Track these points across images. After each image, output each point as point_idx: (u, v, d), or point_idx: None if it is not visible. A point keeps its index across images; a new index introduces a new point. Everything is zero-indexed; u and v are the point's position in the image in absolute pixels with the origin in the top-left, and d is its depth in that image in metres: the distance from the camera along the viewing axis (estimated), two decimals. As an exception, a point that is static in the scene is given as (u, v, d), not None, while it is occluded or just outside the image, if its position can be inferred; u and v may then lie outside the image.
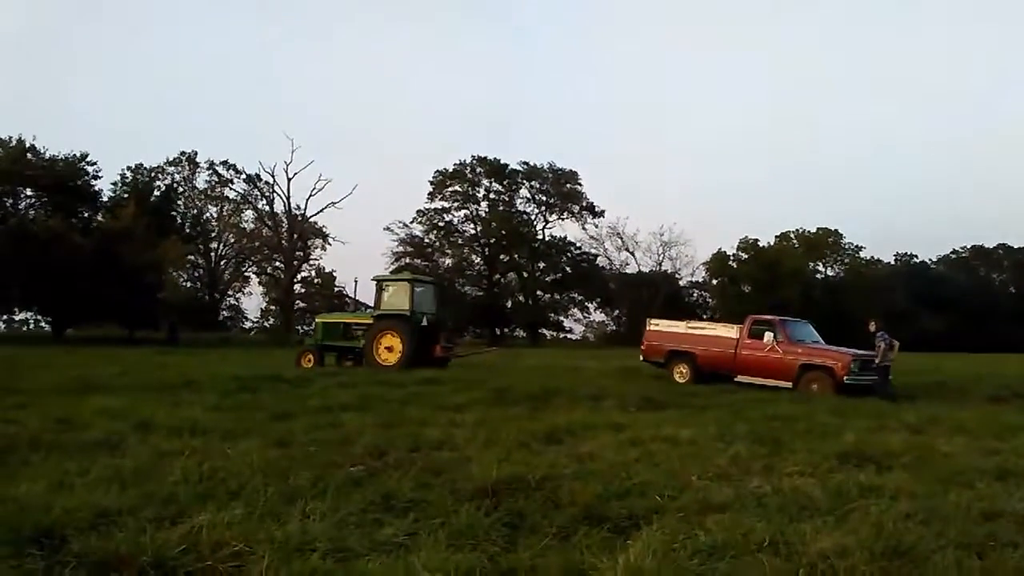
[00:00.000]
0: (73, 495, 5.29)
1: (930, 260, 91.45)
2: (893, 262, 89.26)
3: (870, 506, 5.82)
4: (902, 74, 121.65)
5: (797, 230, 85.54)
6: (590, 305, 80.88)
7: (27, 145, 51.08)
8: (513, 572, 4.32)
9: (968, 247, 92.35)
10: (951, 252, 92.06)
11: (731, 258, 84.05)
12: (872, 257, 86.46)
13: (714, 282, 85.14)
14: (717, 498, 5.98)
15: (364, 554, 4.47)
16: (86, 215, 54.48)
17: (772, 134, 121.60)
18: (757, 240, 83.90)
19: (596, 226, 79.81)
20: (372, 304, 24.62)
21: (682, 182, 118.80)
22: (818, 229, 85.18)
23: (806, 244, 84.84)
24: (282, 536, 4.54)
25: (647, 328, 23.51)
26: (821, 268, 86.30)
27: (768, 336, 20.45)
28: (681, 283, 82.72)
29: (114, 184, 61.12)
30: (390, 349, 23.02)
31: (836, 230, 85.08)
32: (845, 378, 18.65)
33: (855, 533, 4.99)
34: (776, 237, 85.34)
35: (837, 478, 6.99)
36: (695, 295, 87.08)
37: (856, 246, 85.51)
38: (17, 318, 59.75)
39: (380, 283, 24.86)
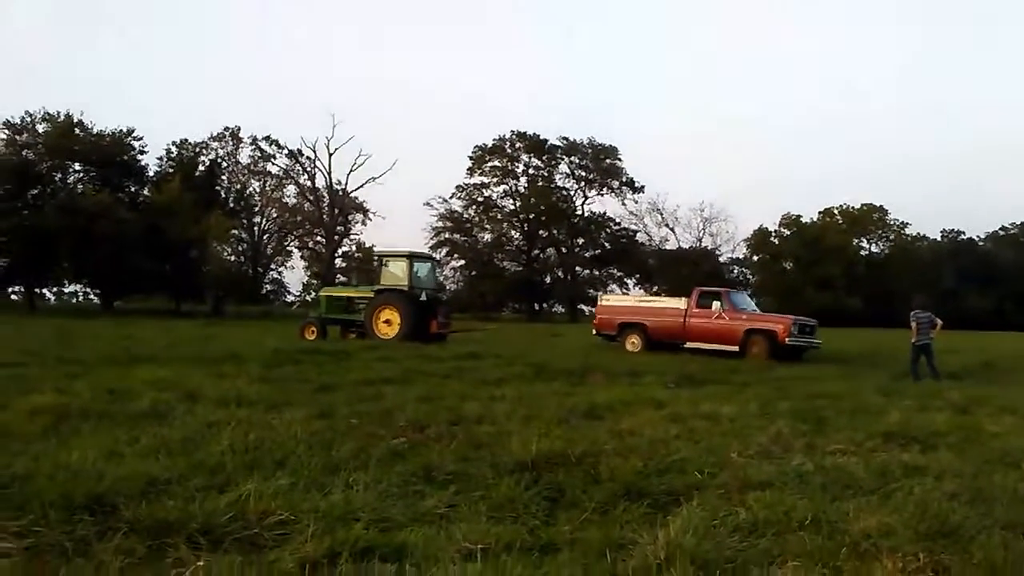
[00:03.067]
0: (123, 464, 5.41)
1: (978, 237, 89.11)
2: (940, 239, 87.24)
3: (914, 486, 5.72)
4: (951, 43, 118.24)
5: (841, 206, 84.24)
6: (629, 281, 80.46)
7: (75, 120, 52.09)
8: (553, 545, 4.34)
9: (1017, 223, 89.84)
10: (999, 228, 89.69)
11: (773, 235, 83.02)
12: (918, 233, 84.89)
13: (755, 259, 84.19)
14: (758, 475, 5.93)
15: (406, 524, 4.52)
16: (132, 189, 55.51)
17: (816, 107, 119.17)
18: (800, 216, 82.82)
19: (636, 202, 79.32)
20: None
21: (725, 158, 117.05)
22: (863, 205, 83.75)
23: (850, 220, 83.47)
24: (326, 506, 4.61)
25: (599, 303, 25.16)
26: (865, 244, 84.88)
27: (716, 305, 22.40)
28: (721, 259, 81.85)
29: (159, 159, 62.11)
30: (388, 323, 23.71)
31: (881, 206, 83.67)
32: (787, 339, 21.08)
33: (899, 512, 4.92)
34: (819, 213, 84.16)
35: (881, 457, 6.90)
36: (735, 271, 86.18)
37: (902, 222, 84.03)
38: (67, 290, 61.30)
39: (380, 259, 25.79)
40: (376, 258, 26.70)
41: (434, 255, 26.94)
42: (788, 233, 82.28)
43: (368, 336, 23.56)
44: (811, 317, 24.37)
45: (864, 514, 4.84)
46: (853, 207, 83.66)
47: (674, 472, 6.05)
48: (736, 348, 21.53)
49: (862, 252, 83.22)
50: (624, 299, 25.65)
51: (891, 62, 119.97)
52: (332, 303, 26.20)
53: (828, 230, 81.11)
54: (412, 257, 25.12)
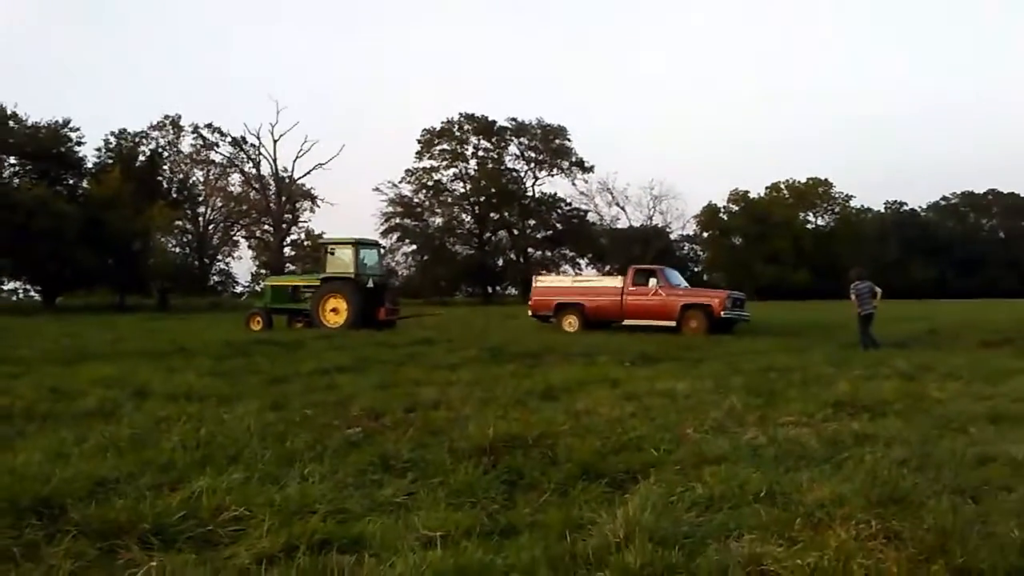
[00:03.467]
0: (70, 464, 5.27)
1: (920, 208, 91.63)
2: (883, 211, 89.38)
3: (865, 454, 5.86)
4: (889, 14, 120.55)
5: (787, 181, 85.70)
6: (582, 261, 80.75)
7: (9, 112, 50.35)
8: (513, 528, 4.35)
9: (958, 193, 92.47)
10: (941, 199, 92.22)
11: (722, 211, 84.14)
12: (862, 206, 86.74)
13: (705, 235, 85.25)
14: (713, 450, 6.02)
15: (364, 515, 4.48)
16: (71, 182, 53.81)
17: (760, 83, 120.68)
18: (748, 192, 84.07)
19: (586, 181, 79.37)
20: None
21: (671, 135, 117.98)
22: (808, 179, 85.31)
23: (797, 195, 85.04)
24: (281, 499, 4.55)
25: (534, 284, 25.47)
26: (812, 218, 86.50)
27: (652, 282, 22.98)
28: (672, 237, 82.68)
29: (98, 150, 60.14)
30: (335, 311, 23.56)
31: (826, 179, 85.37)
32: (723, 313, 21.85)
33: (850, 481, 5.03)
34: (767, 188, 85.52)
35: (832, 427, 7.05)
36: (686, 248, 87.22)
37: (846, 195, 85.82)
38: (6, 288, 59.45)
39: (325, 247, 25.58)
40: (322, 246, 26.29)
41: (380, 241, 26.69)
42: (736, 209, 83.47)
43: (315, 325, 23.33)
44: (746, 291, 25.17)
45: (817, 484, 4.93)
46: (799, 181, 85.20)
47: (631, 450, 6.11)
48: (673, 323, 22.13)
49: (808, 226, 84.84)
50: (560, 280, 26.07)
51: (831, 29, 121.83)
52: (278, 293, 25.88)
53: (775, 205, 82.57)
54: (358, 244, 24.93)
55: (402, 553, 3.84)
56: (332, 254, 24.61)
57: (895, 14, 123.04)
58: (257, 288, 72.35)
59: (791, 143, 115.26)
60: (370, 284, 24.32)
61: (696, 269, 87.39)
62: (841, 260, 71.56)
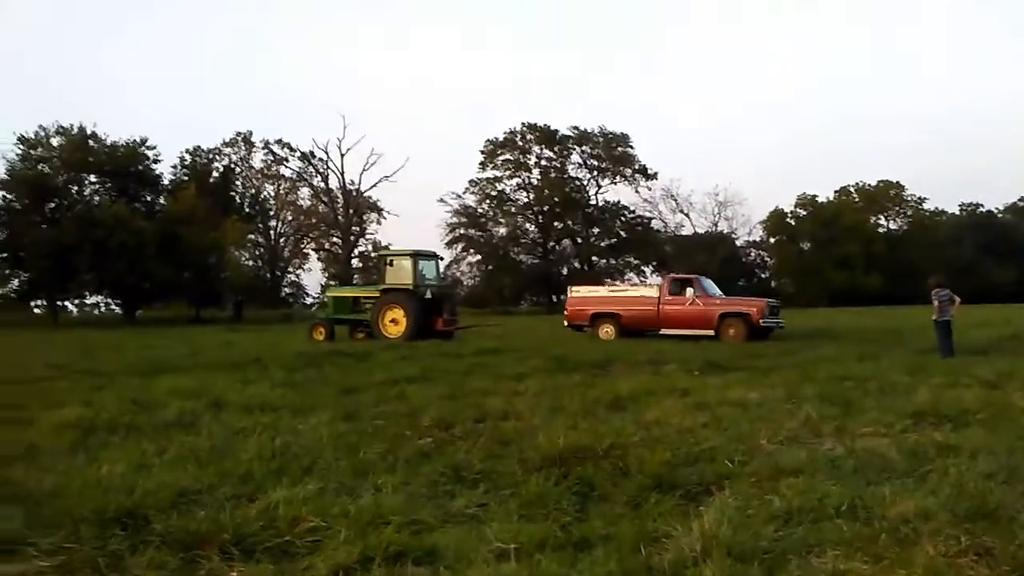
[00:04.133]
0: (153, 475, 5.42)
1: (997, 209, 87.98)
2: (958, 212, 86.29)
3: (949, 466, 5.64)
4: (961, 16, 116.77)
5: (857, 184, 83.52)
6: (646, 269, 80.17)
7: (89, 132, 52.42)
8: (586, 541, 4.29)
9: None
10: (1019, 200, 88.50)
11: (789, 215, 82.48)
12: (936, 208, 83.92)
13: (772, 240, 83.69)
14: (789, 462, 5.87)
15: (437, 526, 4.50)
16: (148, 199, 55.73)
17: (828, 86, 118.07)
18: (815, 196, 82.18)
19: (649, 189, 78.89)
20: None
21: (738, 141, 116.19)
22: (879, 182, 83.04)
23: (867, 198, 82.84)
24: (356, 510, 4.59)
25: (569, 294, 25.95)
26: (883, 222, 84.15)
27: (689, 291, 23.44)
28: (738, 243, 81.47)
29: (174, 167, 62.22)
30: (395, 322, 23.93)
31: (898, 182, 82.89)
32: (761, 321, 22.19)
33: (935, 495, 4.85)
34: (835, 192, 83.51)
35: (912, 438, 6.82)
36: (752, 255, 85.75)
37: (919, 198, 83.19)
38: (89, 301, 61.75)
39: (385, 258, 26.08)
40: (382, 258, 26.98)
41: (438, 253, 27.18)
42: (804, 213, 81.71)
43: (375, 335, 23.74)
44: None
45: (900, 498, 4.77)
46: (869, 184, 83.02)
47: (704, 462, 6.01)
48: (712, 332, 22.37)
49: (880, 229, 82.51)
50: (595, 290, 26.44)
51: (897, 28, 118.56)
52: (339, 303, 26.44)
53: (845, 209, 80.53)
54: (416, 256, 25.31)
55: (477, 565, 3.84)
56: (391, 265, 25.06)
57: (967, 10, 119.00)
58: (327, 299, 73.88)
59: (860, 146, 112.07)
60: (428, 295, 24.62)
61: (763, 275, 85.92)
62: (915, 264, 69.57)
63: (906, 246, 77.13)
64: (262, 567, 3.93)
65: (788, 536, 4.25)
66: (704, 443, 6.52)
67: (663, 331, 22.91)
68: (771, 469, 5.68)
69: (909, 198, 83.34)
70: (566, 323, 25.12)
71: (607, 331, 23.68)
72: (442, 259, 27.69)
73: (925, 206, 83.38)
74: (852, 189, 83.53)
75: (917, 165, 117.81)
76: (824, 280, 73.27)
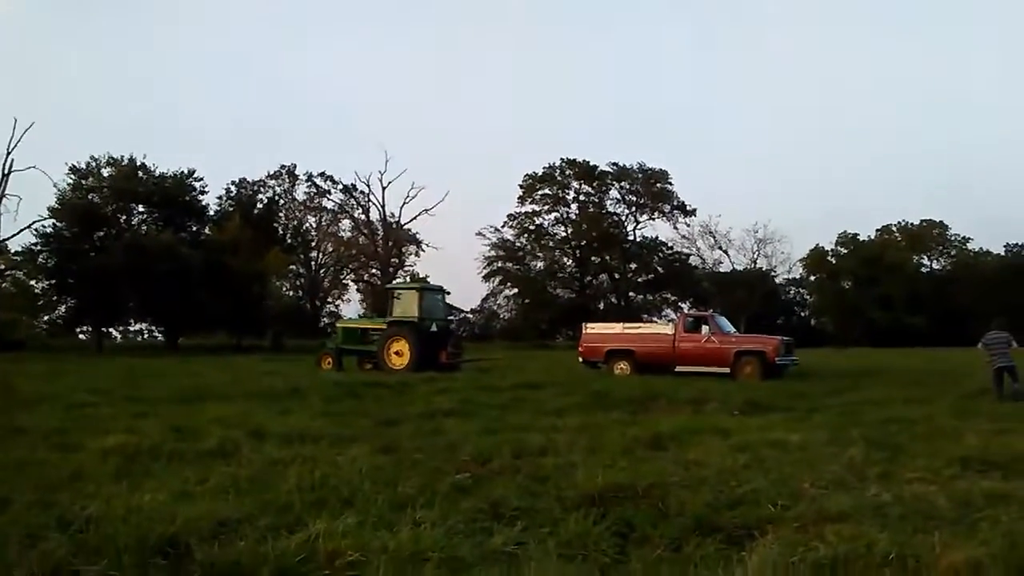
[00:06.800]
0: (194, 504, 5.47)
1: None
2: (1004, 253, 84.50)
3: (999, 516, 5.49)
4: (1004, 52, 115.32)
5: (899, 223, 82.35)
6: (684, 305, 79.39)
7: (138, 163, 53.83)
8: (626, 584, 4.25)
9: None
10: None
11: (830, 254, 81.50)
12: (981, 249, 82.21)
13: (812, 279, 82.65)
14: (834, 507, 5.74)
15: (475, 564, 4.48)
16: (194, 228, 56.88)
17: (869, 123, 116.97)
18: (857, 235, 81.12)
19: (688, 225, 78.45)
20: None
21: (778, 178, 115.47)
22: (922, 221, 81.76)
23: (909, 237, 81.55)
24: (395, 545, 4.59)
25: (584, 332, 25.79)
26: (926, 262, 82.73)
27: (704, 329, 23.37)
28: (777, 280, 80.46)
29: (219, 198, 63.58)
30: (399, 354, 24.29)
31: (941, 221, 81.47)
32: (776, 359, 22.03)
33: (986, 545, 4.71)
34: (877, 231, 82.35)
35: (961, 485, 6.64)
36: (792, 292, 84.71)
37: (963, 238, 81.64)
38: (133, 328, 62.89)
39: (391, 292, 26.73)
40: (388, 291, 27.69)
41: (443, 287, 27.70)
42: (845, 252, 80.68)
43: (381, 367, 24.11)
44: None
45: (950, 548, 4.63)
46: (912, 224, 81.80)
47: (746, 504, 5.90)
48: (727, 370, 22.18)
49: (923, 269, 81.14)
50: (610, 327, 26.12)
51: (938, 61, 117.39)
52: (348, 334, 26.99)
53: (887, 247, 79.38)
54: (422, 289, 25.99)
55: (517, 606, 3.80)
56: (398, 298, 25.56)
57: (1006, 39, 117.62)
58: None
59: (901, 186, 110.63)
60: (433, 328, 25.03)
61: (803, 313, 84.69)
62: (960, 305, 68.18)
63: (951, 287, 75.69)
64: (303, 600, 3.93)
65: (835, 585, 4.15)
66: (746, 485, 6.41)
67: (678, 368, 22.79)
68: (815, 514, 5.56)
69: (952, 238, 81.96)
70: (580, 359, 25.14)
71: (622, 368, 23.59)
72: (448, 293, 28.13)
73: (969, 246, 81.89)
74: (894, 228, 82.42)
75: (960, 204, 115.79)
76: (866, 319, 72.05)
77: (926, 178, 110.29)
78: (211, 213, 59.41)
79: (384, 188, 68.28)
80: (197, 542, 4.62)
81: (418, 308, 24.78)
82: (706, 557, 4.61)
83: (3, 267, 50.52)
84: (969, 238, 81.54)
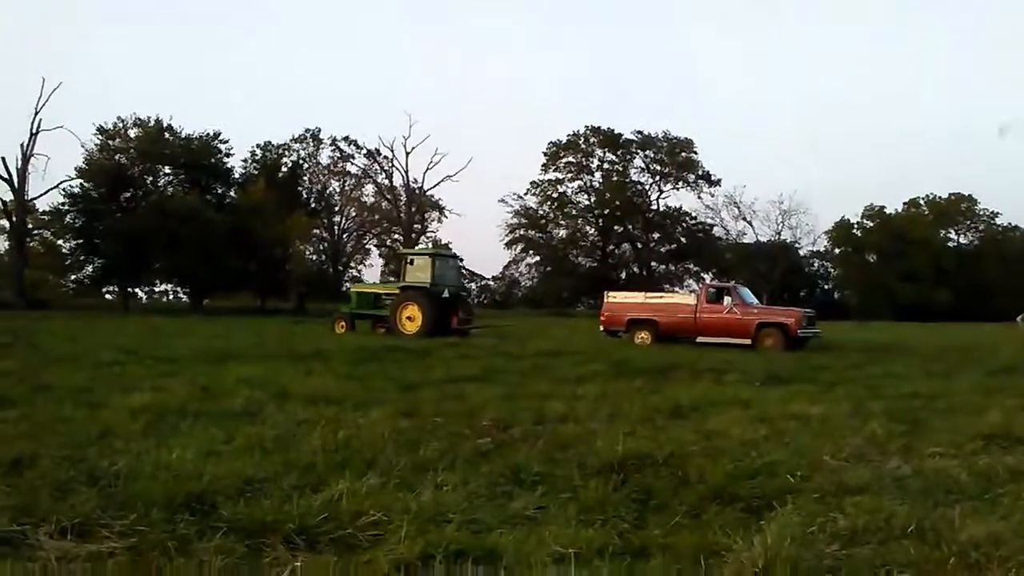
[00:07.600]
0: (220, 462, 5.55)
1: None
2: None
3: (1022, 491, 5.47)
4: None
5: (927, 196, 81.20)
6: (706, 276, 79.06)
7: (165, 125, 54.08)
8: (645, 550, 4.27)
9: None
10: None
11: (855, 227, 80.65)
12: (1009, 224, 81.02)
13: (837, 252, 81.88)
14: (853, 480, 5.74)
15: (496, 527, 4.51)
16: (219, 191, 57.25)
17: (898, 96, 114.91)
18: (883, 208, 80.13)
19: (712, 195, 77.93)
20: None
21: (804, 148, 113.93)
22: (950, 195, 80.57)
23: (937, 211, 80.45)
24: (417, 507, 4.64)
25: (606, 300, 25.81)
26: (953, 236, 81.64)
27: (727, 300, 23.45)
28: (801, 253, 79.81)
29: (244, 161, 63.85)
30: (411, 319, 24.54)
31: (970, 195, 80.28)
32: (798, 332, 22.28)
33: (1007, 520, 4.70)
34: (904, 204, 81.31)
35: (983, 460, 6.59)
36: (816, 265, 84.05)
37: (992, 212, 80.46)
38: (158, 289, 63.67)
39: (405, 257, 26.80)
40: (402, 256, 27.78)
41: (457, 254, 27.91)
42: (871, 225, 79.79)
43: (393, 331, 24.32)
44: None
45: (970, 522, 4.63)
46: (940, 197, 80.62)
47: (765, 475, 5.90)
48: (749, 341, 22.40)
49: (950, 244, 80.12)
50: (632, 296, 26.24)
51: (969, 36, 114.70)
52: (362, 299, 27.50)
53: (914, 221, 78.44)
54: (436, 255, 26.00)
55: (536, 568, 3.85)
56: (411, 264, 25.73)
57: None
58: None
59: (930, 157, 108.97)
60: (445, 294, 25.13)
61: (826, 286, 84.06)
62: (988, 281, 67.36)
63: (978, 262, 74.72)
64: (325, 558, 4.00)
65: (853, 556, 4.16)
66: (766, 456, 6.41)
67: (699, 339, 22.98)
68: (835, 486, 5.56)
69: (981, 212, 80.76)
70: (601, 328, 25.22)
71: (643, 337, 23.75)
72: (462, 260, 28.23)
73: (998, 221, 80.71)
74: (922, 201, 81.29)
75: (990, 178, 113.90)
76: (890, 293, 71.43)
77: (954, 151, 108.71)
78: (236, 176, 59.69)
79: (408, 153, 68.32)
80: (223, 499, 4.70)
81: (431, 274, 24.97)
82: (725, 525, 4.63)
83: (31, 226, 51.18)
84: (998, 212, 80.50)
